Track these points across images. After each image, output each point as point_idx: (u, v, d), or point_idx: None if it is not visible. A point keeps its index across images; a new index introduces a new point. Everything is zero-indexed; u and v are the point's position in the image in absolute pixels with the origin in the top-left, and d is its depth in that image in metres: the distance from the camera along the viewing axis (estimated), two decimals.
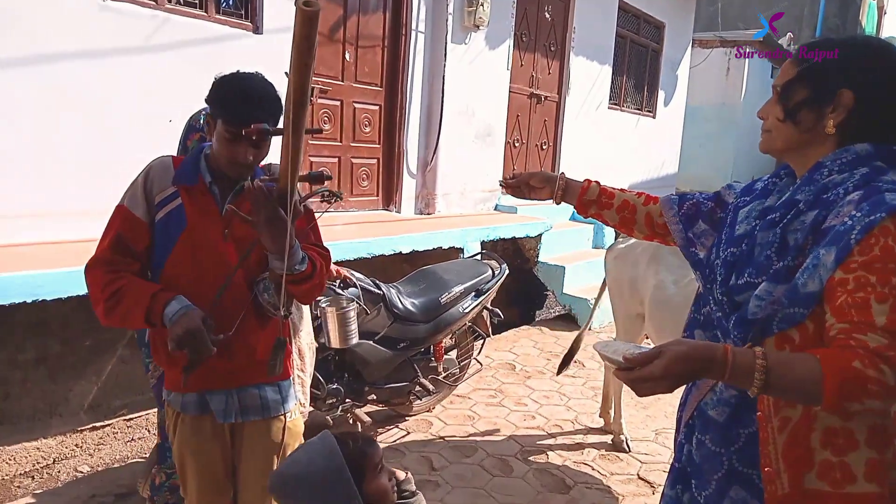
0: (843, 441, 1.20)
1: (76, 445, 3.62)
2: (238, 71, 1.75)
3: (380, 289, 3.43)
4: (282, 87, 1.42)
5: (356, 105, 5.49)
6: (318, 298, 2.98)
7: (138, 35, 3.84)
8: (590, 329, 5.95)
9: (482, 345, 4.18)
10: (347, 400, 3.41)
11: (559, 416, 4.08)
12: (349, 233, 4.67)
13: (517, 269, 6.21)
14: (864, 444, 1.20)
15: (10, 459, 3.38)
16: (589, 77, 8.12)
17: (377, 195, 5.86)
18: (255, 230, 1.62)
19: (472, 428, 3.85)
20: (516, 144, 7.33)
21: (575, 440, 3.78)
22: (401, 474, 1.55)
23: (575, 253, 6.84)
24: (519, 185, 1.83)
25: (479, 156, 6.64)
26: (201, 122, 2.33)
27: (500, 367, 4.90)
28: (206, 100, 1.74)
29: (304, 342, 2.71)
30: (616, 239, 4.11)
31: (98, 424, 3.72)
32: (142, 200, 1.76)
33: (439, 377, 3.83)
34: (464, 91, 6.22)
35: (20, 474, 3.37)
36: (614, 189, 1.77)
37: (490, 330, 4.17)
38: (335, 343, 3.11)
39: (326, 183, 1.70)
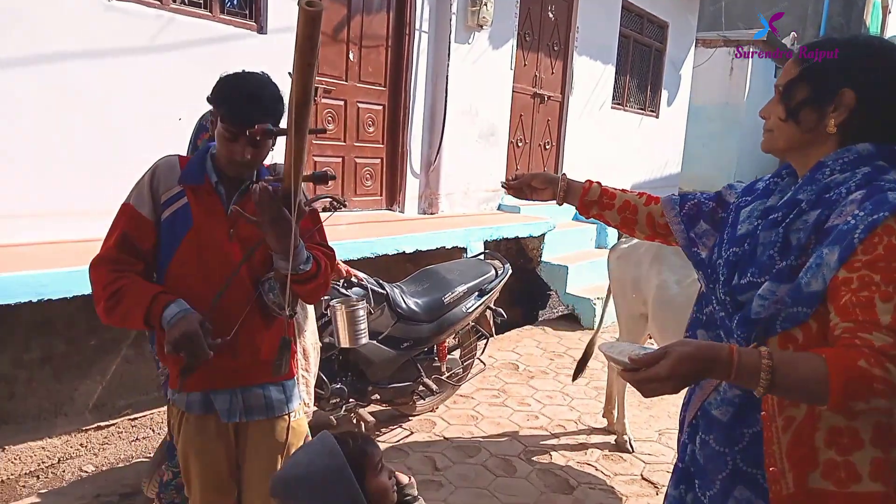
0: (847, 440, 1.20)
1: (81, 445, 3.63)
2: (242, 71, 1.76)
3: (383, 288, 3.43)
4: (286, 87, 1.42)
5: (360, 105, 5.50)
6: (327, 297, 2.99)
7: (143, 35, 3.85)
8: (593, 329, 5.96)
9: (485, 345, 4.18)
10: (351, 400, 3.41)
11: (563, 417, 4.08)
12: (353, 232, 4.67)
13: (520, 269, 6.22)
14: (869, 443, 1.20)
15: (15, 459, 3.39)
16: (592, 77, 8.12)
17: (381, 195, 5.87)
18: (259, 230, 1.63)
19: (476, 428, 3.85)
20: (519, 144, 7.33)
21: (578, 440, 3.78)
22: (403, 478, 1.55)
23: (578, 253, 6.84)
24: (521, 186, 1.83)
25: (483, 155, 6.64)
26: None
27: (504, 366, 4.90)
28: (207, 99, 1.74)
29: (309, 342, 2.71)
30: (619, 239, 4.11)
31: (103, 424, 3.73)
32: (148, 199, 1.76)
33: (443, 377, 3.83)
34: (467, 91, 6.22)
35: (25, 474, 3.38)
36: (616, 190, 1.77)
37: (493, 330, 4.17)
38: (344, 342, 3.10)
39: (330, 183, 1.70)
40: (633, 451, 3.64)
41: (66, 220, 3.59)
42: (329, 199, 1.72)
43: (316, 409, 3.25)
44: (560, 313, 6.58)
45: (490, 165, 6.75)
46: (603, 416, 3.96)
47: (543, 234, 6.37)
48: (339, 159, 5.41)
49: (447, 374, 3.86)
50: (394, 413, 3.91)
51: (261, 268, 1.79)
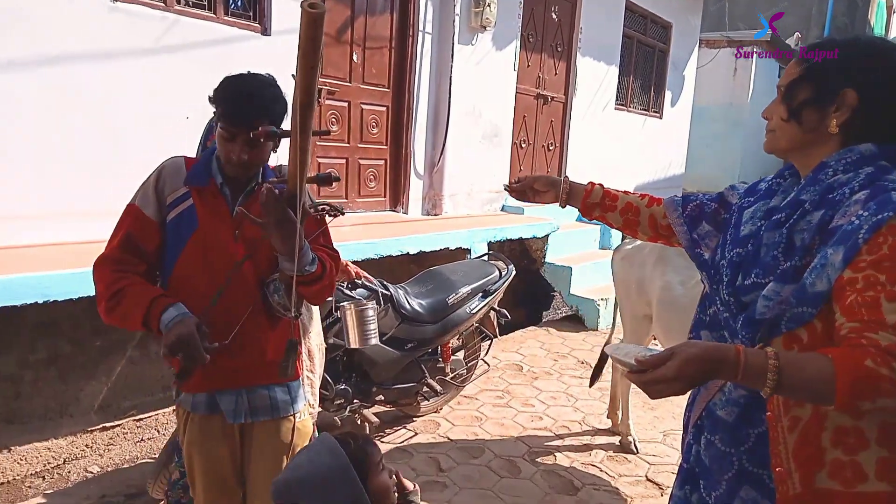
0: (853, 440, 1.20)
1: (86, 446, 3.64)
2: (247, 72, 1.77)
3: (387, 289, 3.44)
4: (290, 88, 1.43)
5: (363, 106, 5.51)
6: (331, 298, 2.99)
7: (147, 36, 3.86)
8: (597, 330, 5.95)
9: (489, 346, 4.18)
10: (355, 400, 3.41)
11: (567, 418, 4.08)
12: (356, 234, 4.68)
13: (524, 270, 6.22)
14: (875, 442, 1.20)
15: (20, 460, 3.40)
16: (595, 77, 8.11)
17: (384, 196, 5.87)
18: (265, 231, 1.63)
19: (480, 429, 3.85)
20: (523, 145, 7.32)
21: (583, 441, 3.77)
22: (409, 485, 1.56)
23: (582, 254, 6.84)
24: (524, 188, 1.84)
25: (486, 157, 6.64)
26: None
27: (508, 367, 4.90)
28: (209, 98, 1.75)
29: (314, 343, 2.71)
30: (623, 240, 4.11)
31: (108, 425, 3.74)
32: (153, 200, 1.77)
33: (447, 378, 3.84)
34: (471, 92, 6.23)
35: (31, 474, 3.40)
36: (618, 191, 1.77)
37: (497, 331, 4.17)
38: (354, 343, 3.10)
39: (335, 185, 1.70)
40: (638, 452, 3.64)
41: (70, 222, 3.60)
42: (325, 206, 1.72)
43: (320, 410, 3.26)
44: (564, 314, 6.57)
45: (493, 166, 6.75)
46: (607, 417, 3.96)
47: (547, 235, 6.37)
48: (343, 161, 5.42)
49: (451, 375, 3.86)
50: (398, 414, 3.92)
51: (266, 269, 1.79)
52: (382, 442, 3.61)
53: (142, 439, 3.80)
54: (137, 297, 1.67)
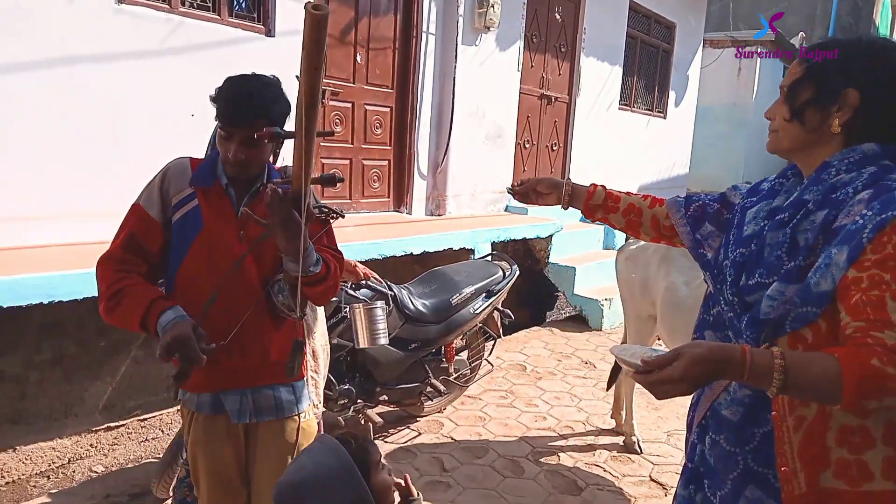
0: (859, 439, 1.20)
1: (91, 445, 3.65)
2: (251, 73, 1.77)
3: (391, 290, 3.44)
4: (294, 89, 1.43)
5: (367, 107, 5.51)
6: (335, 299, 2.99)
7: (152, 38, 3.88)
8: (601, 330, 5.95)
9: (493, 346, 4.19)
10: (359, 401, 3.42)
11: (570, 418, 4.07)
12: (360, 234, 4.69)
13: (528, 270, 6.21)
14: (881, 441, 1.20)
15: (25, 459, 3.41)
16: (599, 78, 8.11)
17: (388, 196, 5.88)
18: (269, 232, 1.63)
19: (483, 429, 3.86)
20: (527, 145, 7.32)
21: (586, 441, 3.77)
22: (415, 491, 1.56)
23: (586, 254, 6.84)
24: (526, 191, 1.84)
25: (490, 157, 6.65)
26: None
27: (511, 367, 4.90)
28: (210, 98, 1.76)
29: (318, 343, 2.72)
30: (627, 240, 4.11)
31: (113, 425, 3.76)
32: (157, 200, 1.78)
33: (450, 378, 3.84)
34: (474, 92, 6.23)
35: (36, 474, 3.41)
36: (620, 193, 1.78)
37: (501, 331, 4.17)
38: (363, 343, 3.11)
39: (339, 186, 1.70)
40: (642, 453, 3.64)
41: (75, 222, 3.62)
42: (324, 209, 1.72)
43: (324, 410, 3.26)
44: (567, 314, 6.57)
45: (497, 167, 6.76)
46: (611, 418, 3.96)
47: (551, 236, 6.37)
48: (347, 161, 5.43)
49: (455, 376, 3.87)
50: (401, 414, 3.92)
51: (270, 269, 1.80)
52: (386, 442, 3.62)
53: (146, 439, 3.81)
54: (136, 299, 1.67)
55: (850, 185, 1.22)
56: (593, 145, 8.18)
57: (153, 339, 1.71)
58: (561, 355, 5.25)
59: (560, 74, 7.60)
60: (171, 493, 2.74)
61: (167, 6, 3.95)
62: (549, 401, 4.33)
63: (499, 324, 4.09)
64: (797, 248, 1.24)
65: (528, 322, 6.30)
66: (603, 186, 1.79)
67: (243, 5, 4.45)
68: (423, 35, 5.75)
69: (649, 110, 9.57)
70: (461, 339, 3.95)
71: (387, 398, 3.58)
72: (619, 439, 3.77)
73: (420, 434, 3.74)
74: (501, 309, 4.04)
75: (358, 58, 5.34)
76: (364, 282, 3.30)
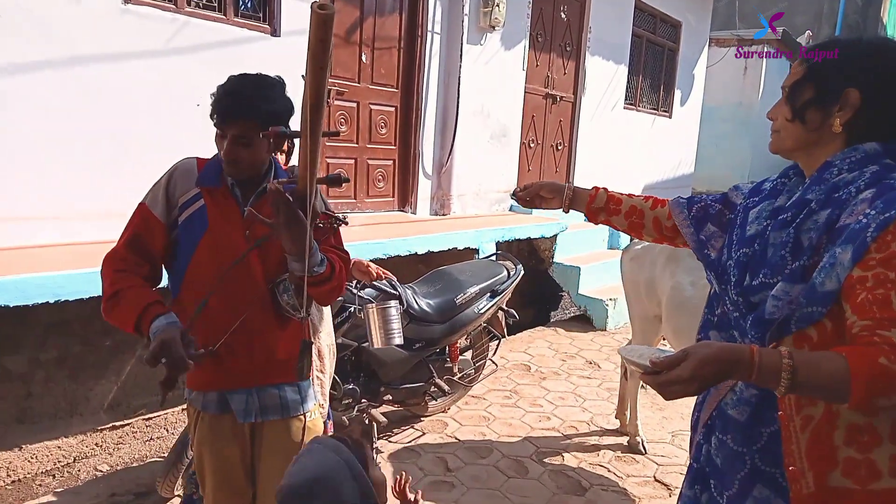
0: (866, 438, 1.20)
1: (96, 444, 3.67)
2: (257, 73, 1.77)
3: (396, 289, 3.44)
4: (299, 89, 1.43)
5: (372, 107, 5.52)
6: (341, 299, 2.98)
7: (158, 38, 3.89)
8: (606, 330, 5.94)
9: (497, 345, 4.18)
10: (363, 400, 3.42)
11: (575, 418, 4.07)
12: (365, 234, 4.69)
13: (532, 270, 6.21)
14: (888, 439, 1.20)
15: (31, 458, 3.43)
16: (604, 77, 8.09)
17: (393, 196, 5.88)
18: (274, 232, 1.64)
19: (488, 429, 3.86)
20: (531, 145, 7.32)
21: (591, 442, 3.77)
22: (410, 496, 1.57)
23: (590, 254, 6.83)
24: (529, 196, 1.85)
25: (495, 157, 6.64)
26: None
27: (516, 367, 4.90)
28: (211, 97, 1.76)
29: (324, 343, 2.72)
30: (632, 240, 4.10)
31: (118, 424, 3.77)
32: (162, 201, 1.78)
33: (454, 378, 3.83)
34: (479, 92, 6.23)
35: (41, 473, 3.42)
36: (622, 195, 1.79)
37: (505, 331, 4.17)
38: (378, 343, 3.10)
39: (344, 186, 1.70)
40: (646, 453, 3.63)
41: (81, 222, 3.63)
42: (330, 216, 1.72)
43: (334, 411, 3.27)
44: (572, 314, 6.57)
45: (502, 166, 6.75)
46: (615, 418, 3.95)
47: (555, 235, 6.36)
48: (352, 161, 5.43)
49: (459, 375, 3.86)
50: (406, 414, 3.92)
51: (275, 269, 1.80)
52: (390, 442, 3.62)
53: (151, 438, 3.83)
54: (133, 302, 1.68)
55: (853, 184, 1.23)
56: (598, 145, 8.16)
57: (147, 343, 1.72)
58: (565, 355, 5.25)
59: (565, 74, 7.59)
60: (175, 492, 2.75)
61: (173, 6, 3.96)
62: (553, 401, 4.32)
63: (503, 323, 4.09)
64: (801, 247, 1.24)
65: (533, 322, 6.29)
66: (605, 189, 1.80)
67: (249, 5, 4.46)
68: (429, 34, 5.74)
69: (654, 110, 9.55)
70: (465, 338, 3.94)
71: (391, 398, 3.58)
72: (624, 439, 3.77)
73: (424, 434, 3.75)
74: (506, 308, 4.03)
75: (363, 57, 5.34)
76: (379, 282, 3.29)
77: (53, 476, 3.42)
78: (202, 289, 1.73)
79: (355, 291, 3.25)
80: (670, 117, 9.92)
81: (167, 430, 3.89)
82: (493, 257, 4.37)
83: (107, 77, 3.68)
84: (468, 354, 4.01)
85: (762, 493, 1.32)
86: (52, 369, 3.54)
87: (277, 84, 1.78)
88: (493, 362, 4.24)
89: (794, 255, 1.24)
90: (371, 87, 5.46)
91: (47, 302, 3.01)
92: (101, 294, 1.74)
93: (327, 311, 2.78)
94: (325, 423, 2.53)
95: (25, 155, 3.43)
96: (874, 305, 1.11)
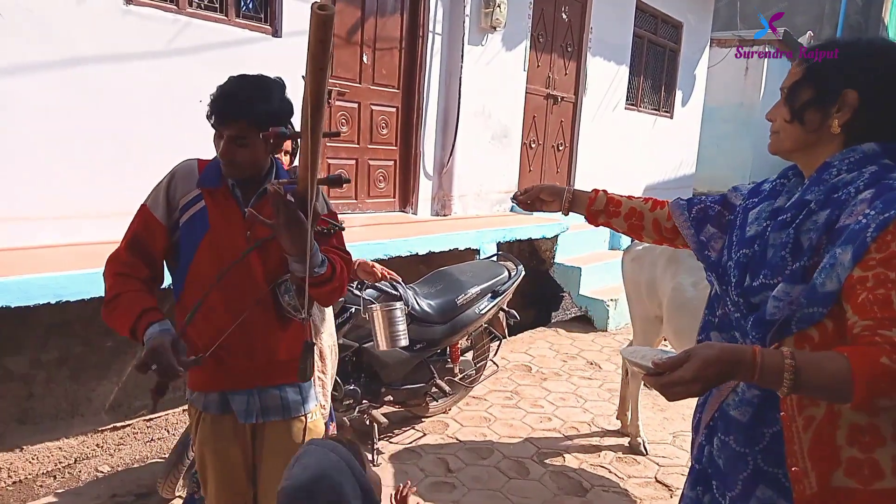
0: (869, 438, 1.21)
1: (97, 445, 3.67)
2: (258, 74, 1.78)
3: (397, 290, 3.44)
4: (300, 90, 1.43)
5: (373, 107, 5.52)
6: (342, 300, 2.98)
7: (160, 39, 3.89)
8: (607, 331, 5.94)
9: (498, 346, 4.18)
10: (364, 401, 3.42)
11: (576, 418, 4.07)
12: (366, 234, 4.69)
13: (533, 271, 6.21)
14: (891, 439, 1.20)
15: (32, 459, 3.43)
16: (606, 77, 8.09)
17: (394, 197, 5.88)
18: (275, 233, 1.63)
19: (489, 429, 3.85)
20: (532, 145, 7.31)
21: (592, 442, 3.77)
22: (412, 500, 1.58)
23: (591, 254, 6.83)
24: (530, 199, 1.86)
25: (496, 157, 6.64)
26: None
27: (516, 368, 4.90)
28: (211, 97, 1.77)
29: (326, 344, 2.72)
30: (633, 241, 4.11)
31: (119, 425, 3.77)
32: (163, 202, 1.79)
33: (455, 378, 3.83)
34: (480, 92, 6.23)
35: (42, 474, 3.43)
36: (621, 197, 1.80)
37: (506, 331, 4.16)
38: (383, 345, 3.10)
39: (345, 186, 1.70)
40: (647, 454, 3.63)
41: (83, 223, 3.63)
42: (328, 222, 1.72)
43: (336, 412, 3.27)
44: (573, 315, 6.57)
45: (503, 167, 6.75)
46: (616, 419, 3.95)
47: (556, 236, 6.36)
48: (353, 161, 5.44)
49: (460, 376, 3.86)
50: (406, 414, 3.92)
51: (277, 269, 1.80)
52: (391, 442, 3.62)
53: (152, 439, 3.83)
54: (129, 307, 1.68)
55: (852, 184, 1.23)
56: (599, 145, 8.16)
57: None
58: (566, 356, 5.25)
59: (566, 74, 7.59)
60: (176, 493, 2.75)
61: (175, 7, 3.96)
62: (554, 401, 4.32)
63: (504, 324, 4.09)
64: (801, 248, 1.24)
65: (534, 322, 6.29)
66: (605, 191, 1.81)
67: (250, 6, 4.46)
68: (430, 35, 5.75)
69: (656, 110, 9.54)
70: (466, 339, 3.95)
71: (392, 399, 3.58)
72: (625, 440, 3.76)
73: (425, 435, 3.74)
74: (507, 309, 4.03)
75: (364, 58, 5.34)
76: (381, 284, 3.29)
77: (54, 477, 3.43)
78: (204, 290, 1.73)
79: (357, 292, 3.25)
80: (671, 118, 9.91)
81: (168, 431, 3.89)
82: (494, 258, 4.37)
83: (108, 77, 3.68)
84: (469, 355, 4.01)
85: (765, 493, 1.32)
86: (54, 370, 3.54)
87: (275, 85, 1.78)
88: (494, 363, 4.24)
89: (795, 256, 1.24)
90: (372, 87, 5.46)
91: (49, 302, 3.01)
92: (102, 295, 1.75)
93: (329, 311, 2.78)
94: (327, 424, 2.53)
95: (27, 155, 3.44)
96: (875, 305, 1.11)
